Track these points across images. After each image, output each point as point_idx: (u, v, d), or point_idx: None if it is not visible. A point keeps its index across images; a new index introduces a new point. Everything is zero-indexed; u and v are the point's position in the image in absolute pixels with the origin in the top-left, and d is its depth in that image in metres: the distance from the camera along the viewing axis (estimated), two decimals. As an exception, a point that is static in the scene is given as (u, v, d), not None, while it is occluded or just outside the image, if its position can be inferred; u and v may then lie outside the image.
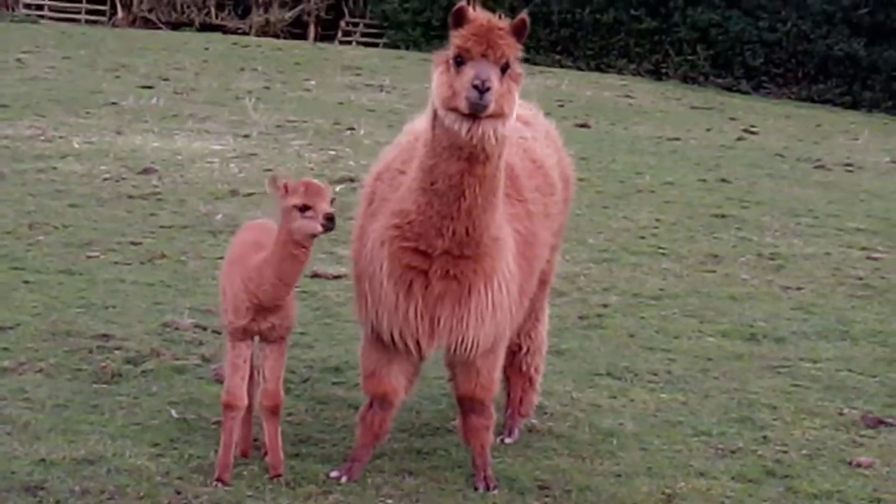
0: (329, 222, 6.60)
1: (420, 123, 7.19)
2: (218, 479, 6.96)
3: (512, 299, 7.13)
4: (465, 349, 7.04)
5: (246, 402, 7.07)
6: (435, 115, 6.56)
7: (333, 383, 8.92)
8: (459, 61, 6.47)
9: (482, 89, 6.36)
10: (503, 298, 7.00)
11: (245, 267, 6.92)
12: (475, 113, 6.40)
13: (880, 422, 8.92)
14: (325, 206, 6.62)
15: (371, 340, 7.17)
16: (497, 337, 7.19)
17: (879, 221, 17.69)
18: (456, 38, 6.49)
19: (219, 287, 7.36)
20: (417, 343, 7.00)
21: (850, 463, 8.09)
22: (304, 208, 6.61)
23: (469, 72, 6.40)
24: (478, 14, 6.56)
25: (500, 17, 6.59)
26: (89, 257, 12.07)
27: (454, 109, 6.45)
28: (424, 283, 6.84)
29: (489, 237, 6.82)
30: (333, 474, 7.21)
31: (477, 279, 6.87)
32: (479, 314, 6.94)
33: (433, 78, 6.59)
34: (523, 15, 6.63)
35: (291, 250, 6.71)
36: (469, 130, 6.45)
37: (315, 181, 6.75)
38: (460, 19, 6.49)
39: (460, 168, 6.56)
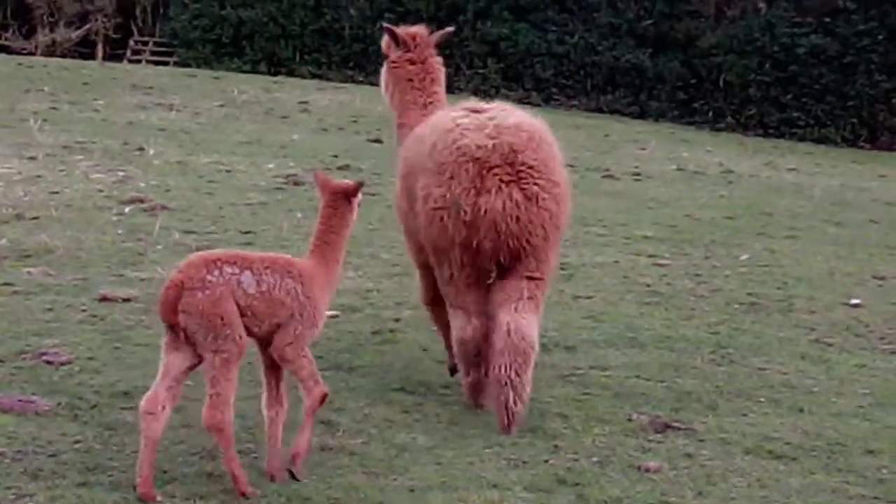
0: None
1: None
2: (244, 494, 7.10)
3: None
4: None
5: None
6: None
7: (122, 408, 8.69)
8: None
9: None
10: None
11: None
12: None
13: (667, 426, 9.11)
14: None
15: None
16: None
17: (666, 229, 18.12)
18: None
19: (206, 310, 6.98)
20: None
21: (638, 468, 8.22)
22: None
23: None
24: None
25: None
26: None
27: None
28: None
29: None
30: None
31: None
32: None
33: None
34: None
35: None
36: None
37: None
38: None
39: None
